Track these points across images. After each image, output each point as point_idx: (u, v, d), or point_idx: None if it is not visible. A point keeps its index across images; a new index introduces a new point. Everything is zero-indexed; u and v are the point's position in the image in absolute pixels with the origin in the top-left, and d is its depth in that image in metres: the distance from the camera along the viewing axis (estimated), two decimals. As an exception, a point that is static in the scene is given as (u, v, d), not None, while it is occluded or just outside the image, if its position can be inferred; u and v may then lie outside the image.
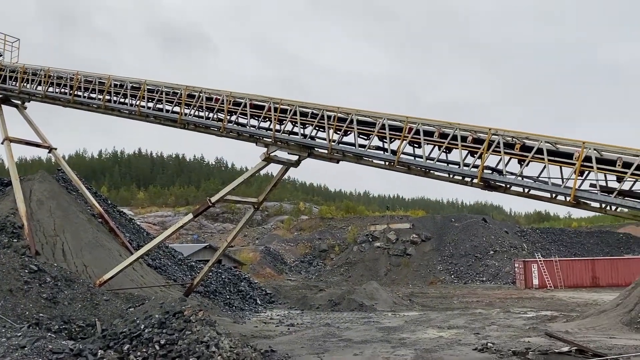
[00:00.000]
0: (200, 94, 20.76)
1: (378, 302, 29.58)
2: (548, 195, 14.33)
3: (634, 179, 12.79)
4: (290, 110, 18.50)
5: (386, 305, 29.41)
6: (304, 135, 18.37)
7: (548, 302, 32.21)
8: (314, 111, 18.07)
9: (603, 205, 13.50)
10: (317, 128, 18.09)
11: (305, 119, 18.27)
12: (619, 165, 12.84)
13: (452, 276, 50.75)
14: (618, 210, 13.72)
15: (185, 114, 21.10)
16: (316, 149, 18.42)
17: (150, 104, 22.29)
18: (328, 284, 47.54)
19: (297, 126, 18.50)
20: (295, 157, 19.21)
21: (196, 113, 21.11)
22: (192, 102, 20.89)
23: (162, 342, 12.57)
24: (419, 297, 35.77)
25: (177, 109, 21.51)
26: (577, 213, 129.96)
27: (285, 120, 18.60)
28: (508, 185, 14.86)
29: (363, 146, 17.11)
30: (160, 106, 22.00)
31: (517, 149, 14.24)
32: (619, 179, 12.95)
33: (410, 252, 55.37)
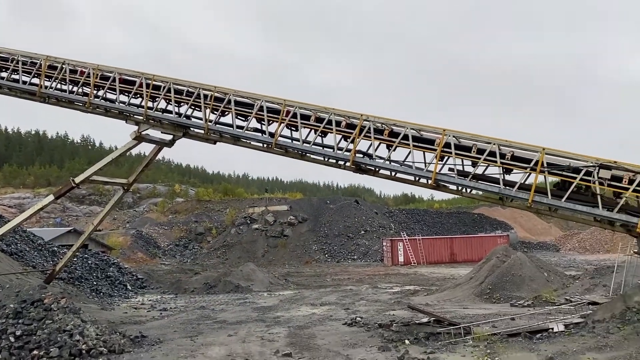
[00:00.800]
0: (64, 66, 19.13)
1: (254, 283, 29.77)
2: (412, 178, 15.35)
3: (486, 164, 14.20)
4: (164, 87, 17.75)
5: (262, 285, 29.71)
6: (179, 114, 17.74)
7: (412, 278, 34.68)
8: (190, 89, 17.51)
9: (459, 188, 14.83)
10: (193, 107, 17.57)
11: (180, 97, 17.63)
12: (473, 151, 14.16)
13: (327, 255, 52.56)
14: (472, 192, 15.12)
15: (46, 87, 19.34)
16: (192, 128, 17.90)
17: (4, 74, 20.17)
18: (204, 267, 46.78)
19: (171, 104, 17.82)
20: (169, 137, 18.47)
21: (58, 86, 19.43)
22: (54, 74, 19.19)
23: (18, 333, 11.60)
24: (294, 277, 36.57)
25: (36, 80, 19.65)
26: (439, 195, 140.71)
27: (159, 97, 17.79)
28: (377, 169, 15.64)
29: (241, 127, 16.97)
30: (16, 77, 19.98)
31: (385, 134, 15.04)
32: (474, 164, 14.28)
33: (287, 234, 56.35)
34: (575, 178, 13.09)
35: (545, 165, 13.34)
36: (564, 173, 13.31)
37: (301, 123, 15.95)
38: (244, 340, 14.72)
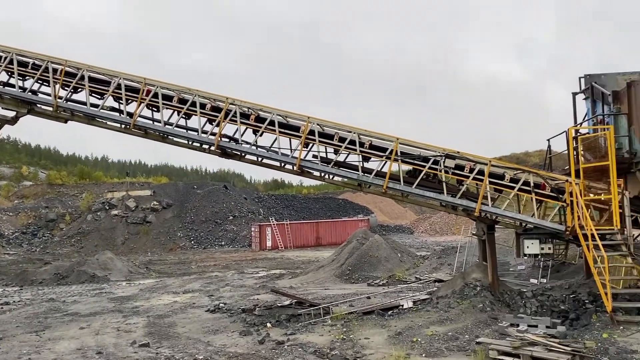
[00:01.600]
0: None
1: (112, 272, 28.13)
2: (278, 164, 15.46)
3: (347, 152, 14.78)
4: (5, 58, 15.85)
5: (121, 274, 28.17)
6: (23, 89, 15.99)
7: (278, 262, 35.19)
8: (37, 62, 15.86)
9: (322, 174, 15.28)
10: (40, 81, 15.94)
11: (24, 69, 15.89)
12: (336, 139, 14.68)
13: (192, 242, 51.30)
14: (334, 178, 15.67)
15: None
16: (39, 105, 16.22)
17: None
18: (56, 257, 43.07)
19: (14, 77, 15.98)
20: (11, 113, 16.54)
21: None
22: None
23: None
24: (157, 265, 35.20)
25: None
26: (308, 181, 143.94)
27: (-2, 69, 15.86)
28: (243, 154, 15.51)
29: (96, 106, 15.76)
30: None
31: (252, 119, 14.96)
32: (336, 152, 14.79)
33: (150, 220, 53.92)
34: (424, 166, 14.12)
35: (399, 154, 14.22)
36: (415, 162, 14.30)
37: (163, 104, 15.26)
38: (97, 332, 13.88)
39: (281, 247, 47.89)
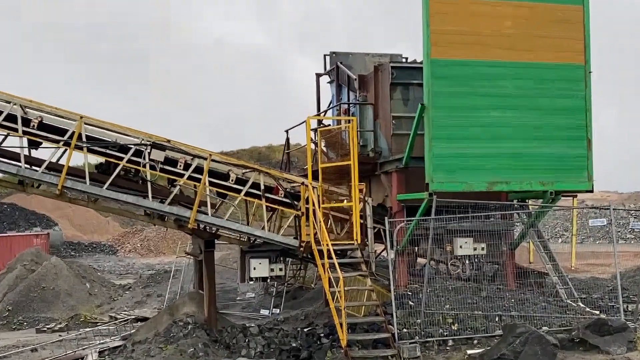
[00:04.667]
0: None
1: None
2: None
3: (4, 133, 13.49)
4: None
5: None
6: None
7: None
8: None
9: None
10: None
11: None
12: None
13: None
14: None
15: None
16: None
17: None
18: None
19: None
20: None
21: None
22: None
23: None
24: None
25: None
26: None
27: None
28: None
29: None
30: None
31: None
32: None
33: None
34: (122, 159, 13.67)
35: (84, 139, 13.49)
36: (108, 151, 13.80)
37: None
38: None
39: None
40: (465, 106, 14.34)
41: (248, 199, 14.43)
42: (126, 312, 21.61)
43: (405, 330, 13.10)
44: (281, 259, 15.07)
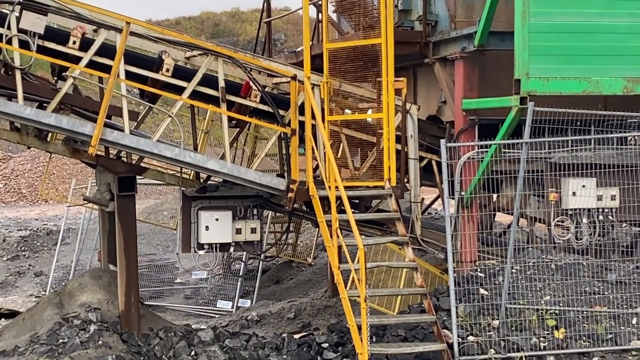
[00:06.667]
0: None
1: None
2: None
3: None
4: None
5: None
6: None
7: None
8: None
9: None
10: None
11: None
12: None
13: None
14: None
15: None
16: None
17: None
18: None
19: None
20: None
21: None
22: None
23: None
24: None
25: None
26: None
27: None
28: None
29: None
30: None
31: None
32: None
33: None
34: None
35: None
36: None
37: None
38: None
39: None
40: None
41: (196, 103, 12.49)
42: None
43: (471, 337, 10.97)
44: (255, 212, 12.96)
